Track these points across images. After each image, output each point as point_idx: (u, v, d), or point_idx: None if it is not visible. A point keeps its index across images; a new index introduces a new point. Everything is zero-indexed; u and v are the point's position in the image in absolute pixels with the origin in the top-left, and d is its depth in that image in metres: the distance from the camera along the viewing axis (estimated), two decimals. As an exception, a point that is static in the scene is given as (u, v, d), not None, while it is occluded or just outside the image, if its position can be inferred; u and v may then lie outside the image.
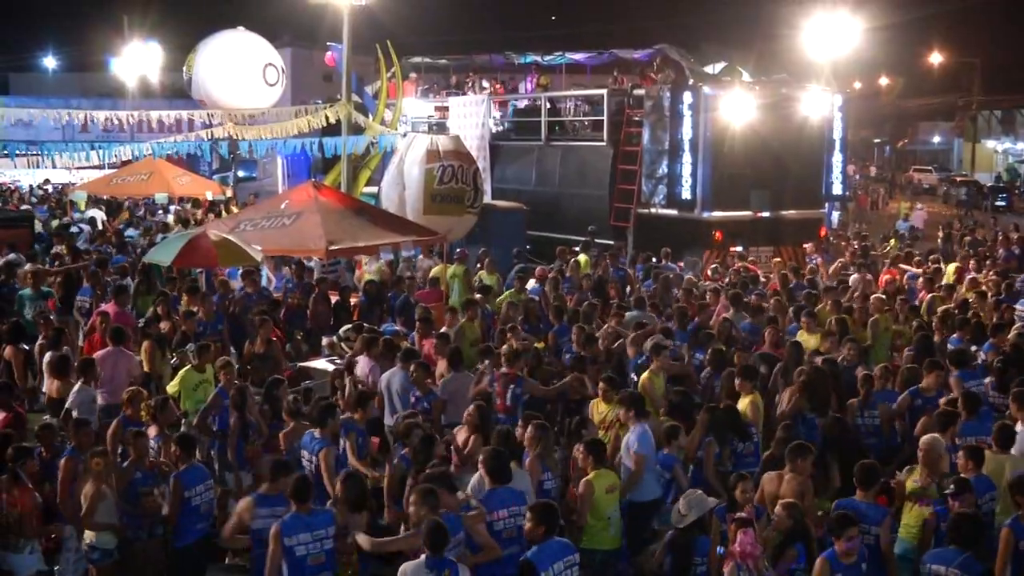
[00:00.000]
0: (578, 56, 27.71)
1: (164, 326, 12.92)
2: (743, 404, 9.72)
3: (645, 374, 10.55)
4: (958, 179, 58.29)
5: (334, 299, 15.33)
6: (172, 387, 10.86)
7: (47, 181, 35.38)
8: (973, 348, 12.08)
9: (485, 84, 28.07)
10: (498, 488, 7.34)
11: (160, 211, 27.09)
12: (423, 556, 6.46)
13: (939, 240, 25.32)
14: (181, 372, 10.89)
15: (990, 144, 68.92)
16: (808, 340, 12.00)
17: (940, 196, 54.32)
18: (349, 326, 12.98)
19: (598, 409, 9.84)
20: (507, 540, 7.18)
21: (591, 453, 7.99)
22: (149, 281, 15.55)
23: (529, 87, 27.87)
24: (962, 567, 6.66)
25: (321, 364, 12.60)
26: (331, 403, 9.46)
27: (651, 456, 8.53)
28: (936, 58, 64.62)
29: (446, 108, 27.02)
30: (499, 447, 7.73)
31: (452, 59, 30.45)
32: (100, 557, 7.90)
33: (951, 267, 18.01)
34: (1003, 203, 48.85)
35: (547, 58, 27.86)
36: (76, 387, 10.26)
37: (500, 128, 25.73)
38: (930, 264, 18.38)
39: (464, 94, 27.72)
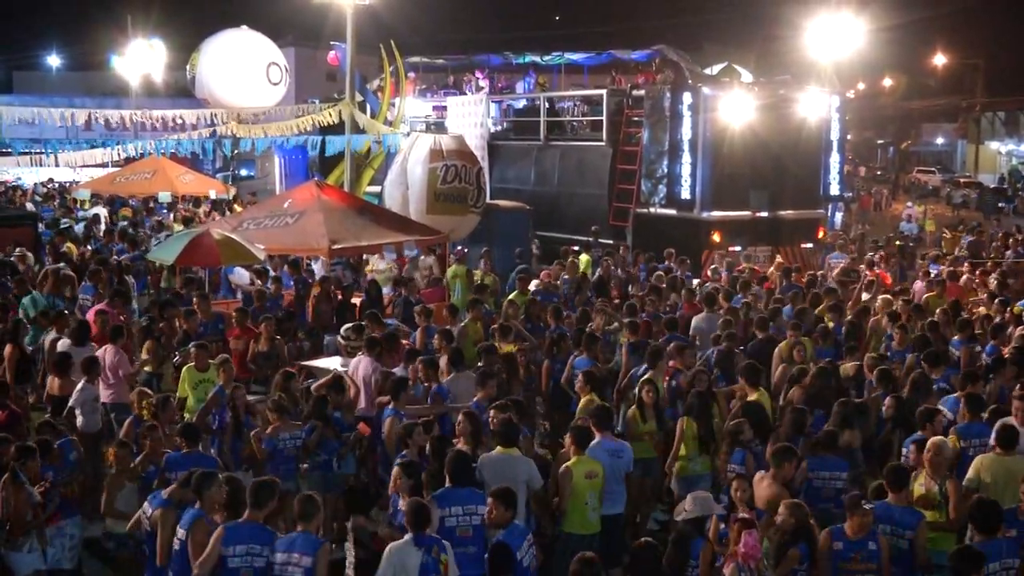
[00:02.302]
0: (576, 56, 27.73)
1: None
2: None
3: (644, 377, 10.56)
4: (961, 180, 58.23)
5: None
6: (180, 389, 10.89)
7: (51, 180, 35.42)
8: (976, 349, 12.10)
9: (483, 83, 28.02)
10: (458, 488, 7.31)
11: (165, 209, 27.11)
12: (408, 535, 6.56)
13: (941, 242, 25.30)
14: (183, 371, 10.93)
15: (993, 146, 68.81)
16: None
17: (943, 197, 54.22)
18: (349, 326, 12.99)
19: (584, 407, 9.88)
20: (460, 538, 7.09)
21: (575, 439, 8.14)
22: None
23: (529, 86, 27.86)
24: (1011, 552, 6.77)
25: (326, 362, 12.61)
26: (404, 377, 9.88)
27: (610, 468, 8.28)
28: (939, 59, 64.58)
29: (444, 107, 27.02)
30: (463, 451, 7.80)
31: (450, 59, 30.47)
32: (116, 546, 7.94)
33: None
34: (1005, 204, 48.82)
35: (545, 58, 27.89)
36: (80, 385, 10.29)
37: (499, 128, 25.73)
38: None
39: (462, 93, 27.71)
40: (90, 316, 12.93)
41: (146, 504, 7.45)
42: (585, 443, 8.14)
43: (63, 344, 11.51)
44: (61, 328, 12.12)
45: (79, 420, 10.04)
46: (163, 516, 7.20)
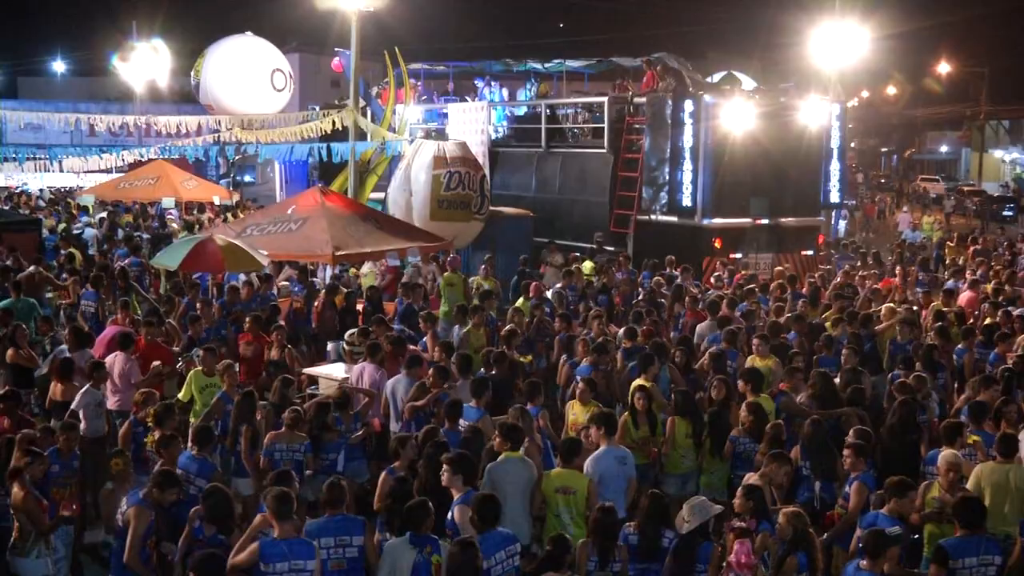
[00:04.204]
0: (576, 64, 27.78)
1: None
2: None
3: (637, 381, 10.60)
4: (965, 189, 58.22)
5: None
6: (184, 393, 10.91)
7: (59, 191, 35.51)
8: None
9: (492, 91, 28.03)
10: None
11: (166, 215, 27.13)
12: (406, 533, 6.65)
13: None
14: (190, 374, 10.95)
15: (997, 154, 68.84)
16: (754, 362, 11.50)
17: (942, 206, 54.15)
18: (354, 331, 13.02)
19: (573, 410, 9.93)
20: None
21: (560, 452, 8.18)
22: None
23: (530, 95, 27.88)
24: (989, 550, 7.01)
25: (330, 369, 12.63)
26: (485, 378, 10.02)
27: (607, 476, 8.29)
28: (944, 68, 64.62)
29: (444, 114, 27.00)
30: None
31: (451, 65, 30.54)
32: (111, 554, 7.96)
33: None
34: (1010, 213, 48.86)
35: (546, 66, 27.95)
36: (84, 388, 10.30)
37: (500, 135, 25.77)
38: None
39: (463, 100, 27.73)
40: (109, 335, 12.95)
41: (123, 502, 7.48)
42: (569, 457, 8.08)
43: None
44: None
45: (82, 424, 9.98)
46: (137, 514, 7.23)
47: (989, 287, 16.84)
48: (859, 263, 19.87)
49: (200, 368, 10.89)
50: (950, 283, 17.57)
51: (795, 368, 10.86)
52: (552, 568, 6.66)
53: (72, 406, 10.21)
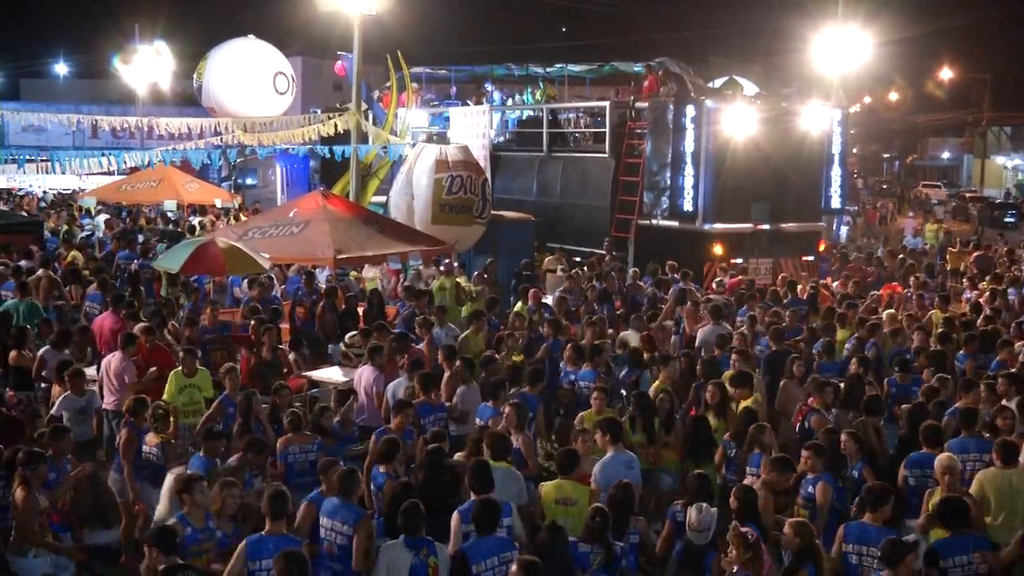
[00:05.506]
0: (578, 68, 27.78)
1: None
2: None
3: (654, 386, 10.63)
4: (967, 195, 58.16)
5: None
6: (167, 393, 10.85)
7: (60, 193, 35.55)
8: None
9: (496, 93, 28.05)
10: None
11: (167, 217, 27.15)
12: (401, 536, 6.65)
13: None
14: (171, 375, 10.84)
15: (999, 160, 68.82)
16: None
17: (949, 212, 54.10)
18: (355, 332, 13.01)
19: (589, 419, 9.86)
20: None
21: (558, 463, 8.13)
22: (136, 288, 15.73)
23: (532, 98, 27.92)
24: (980, 548, 7.09)
25: (328, 373, 12.61)
26: (501, 379, 10.16)
27: (612, 483, 8.07)
28: (946, 73, 64.60)
29: (447, 117, 27.05)
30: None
31: (453, 69, 30.53)
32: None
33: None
34: (1011, 219, 48.80)
35: (548, 70, 27.92)
36: (64, 395, 10.18)
37: (502, 139, 25.77)
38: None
39: (465, 104, 27.75)
40: (103, 324, 12.94)
41: None
42: (567, 468, 7.98)
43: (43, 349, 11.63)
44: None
45: (66, 430, 9.95)
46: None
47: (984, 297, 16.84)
48: (862, 268, 19.85)
49: (180, 369, 10.86)
50: (968, 295, 17.59)
51: (823, 383, 10.54)
52: (593, 540, 6.90)
53: (52, 411, 10.15)
